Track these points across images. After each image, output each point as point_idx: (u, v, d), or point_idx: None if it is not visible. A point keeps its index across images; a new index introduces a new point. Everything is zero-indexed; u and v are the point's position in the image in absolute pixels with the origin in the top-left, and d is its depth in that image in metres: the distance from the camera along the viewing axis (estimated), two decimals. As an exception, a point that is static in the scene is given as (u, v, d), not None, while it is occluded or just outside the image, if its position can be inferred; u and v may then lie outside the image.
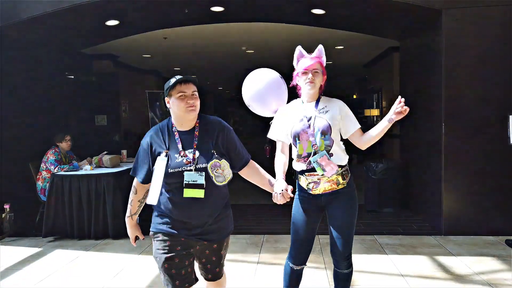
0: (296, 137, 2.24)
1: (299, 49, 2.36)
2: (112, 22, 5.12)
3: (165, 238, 1.93)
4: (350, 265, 2.33)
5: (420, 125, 5.05)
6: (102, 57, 7.98)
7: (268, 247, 4.07)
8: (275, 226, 4.76)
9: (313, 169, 2.21)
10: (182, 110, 1.90)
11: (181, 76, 1.93)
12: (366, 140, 2.24)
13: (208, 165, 1.89)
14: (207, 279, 2.16)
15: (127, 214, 2.11)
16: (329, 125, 2.21)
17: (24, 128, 5.16)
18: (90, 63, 7.68)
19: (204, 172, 1.88)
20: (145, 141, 1.99)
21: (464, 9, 4.22)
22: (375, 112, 9.50)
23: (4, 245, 4.33)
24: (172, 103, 1.92)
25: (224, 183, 1.92)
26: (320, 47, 2.33)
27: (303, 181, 2.27)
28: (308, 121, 2.23)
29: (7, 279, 3.42)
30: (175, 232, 1.92)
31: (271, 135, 2.39)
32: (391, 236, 4.33)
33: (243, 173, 2.11)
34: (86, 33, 5.65)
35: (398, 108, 2.07)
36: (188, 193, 1.87)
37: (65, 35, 5.48)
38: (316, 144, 2.19)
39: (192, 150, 1.91)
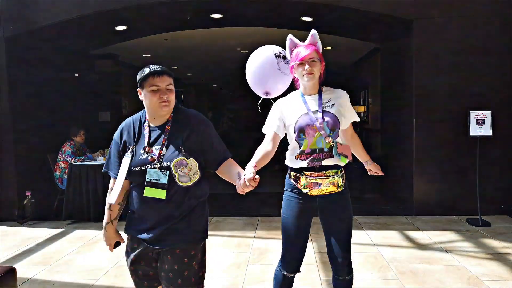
0: (301, 132, 2.01)
1: (290, 38, 2.13)
2: (120, 27, 5.68)
3: (133, 239, 1.82)
4: (350, 271, 2.14)
5: (397, 120, 5.71)
6: (105, 57, 8.44)
7: (263, 226, 4.69)
8: (269, 209, 5.36)
9: (313, 168, 2.03)
10: (155, 105, 1.72)
11: (155, 67, 1.73)
12: (353, 143, 2.28)
13: (172, 163, 1.70)
14: None
15: (106, 220, 1.86)
16: (338, 120, 2.04)
17: (41, 123, 5.66)
18: (94, 62, 8.16)
19: (168, 171, 1.70)
20: (117, 133, 1.84)
21: (432, 20, 4.86)
22: (361, 108, 10.09)
23: (28, 227, 4.90)
24: (144, 96, 1.74)
25: (188, 184, 1.72)
26: (313, 31, 2.08)
27: (301, 180, 2.05)
28: (314, 115, 2.02)
29: (41, 251, 4.01)
30: (140, 235, 1.78)
31: (266, 129, 2.10)
32: (369, 216, 4.97)
33: (219, 171, 1.85)
34: (96, 38, 6.19)
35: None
36: (148, 192, 1.71)
37: (78, 40, 6.02)
38: (330, 136, 2.01)
39: (160, 146, 1.73)
